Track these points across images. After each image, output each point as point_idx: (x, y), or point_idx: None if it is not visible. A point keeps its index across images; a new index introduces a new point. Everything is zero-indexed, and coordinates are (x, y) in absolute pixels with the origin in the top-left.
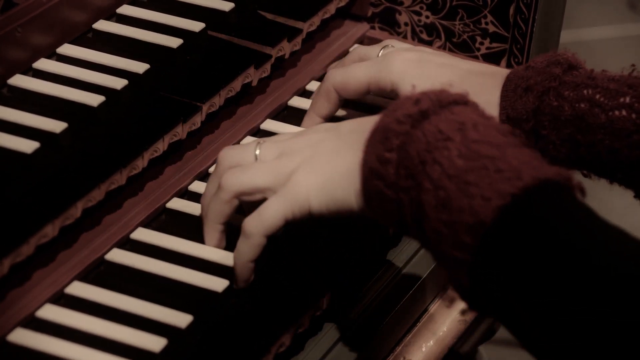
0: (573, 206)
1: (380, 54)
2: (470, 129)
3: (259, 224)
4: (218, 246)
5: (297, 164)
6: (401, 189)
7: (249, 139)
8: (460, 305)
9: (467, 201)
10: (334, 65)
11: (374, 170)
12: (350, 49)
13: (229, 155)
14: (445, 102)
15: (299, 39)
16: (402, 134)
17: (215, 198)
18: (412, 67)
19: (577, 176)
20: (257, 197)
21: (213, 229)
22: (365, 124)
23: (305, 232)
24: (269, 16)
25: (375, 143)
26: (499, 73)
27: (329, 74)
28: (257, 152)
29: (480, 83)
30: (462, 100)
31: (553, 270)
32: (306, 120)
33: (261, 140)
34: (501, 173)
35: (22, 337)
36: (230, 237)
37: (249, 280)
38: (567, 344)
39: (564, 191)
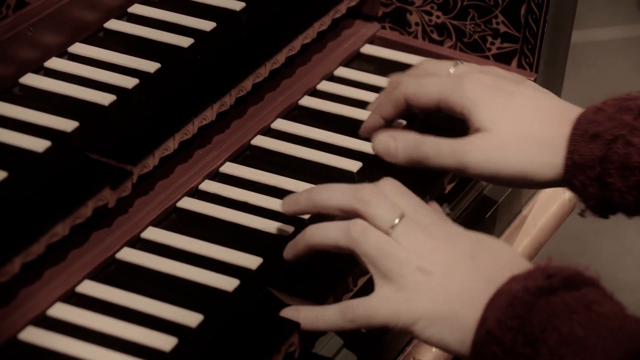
0: None
1: (451, 70)
2: (595, 304)
3: (365, 320)
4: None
5: (422, 277)
6: (517, 355)
7: (260, 138)
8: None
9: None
10: (404, 74)
11: (492, 334)
12: (419, 63)
13: (373, 203)
14: (578, 282)
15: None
16: (528, 304)
17: (334, 232)
18: (485, 93)
19: None
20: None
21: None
22: (498, 274)
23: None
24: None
25: (499, 308)
26: (570, 110)
27: (403, 82)
28: (396, 222)
29: (555, 121)
30: (592, 283)
31: None
32: (370, 119)
33: (404, 209)
34: (617, 338)
35: (33, 335)
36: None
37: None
38: None
39: None
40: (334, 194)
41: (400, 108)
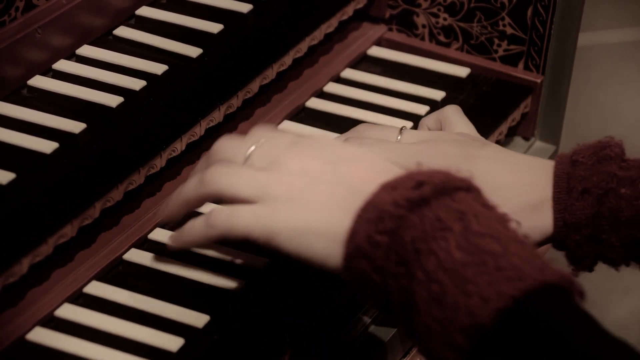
0: (575, 313)
1: (399, 139)
2: (471, 219)
3: (225, 223)
4: (172, 219)
5: (284, 191)
6: (390, 274)
7: None
8: None
9: (464, 299)
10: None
11: (361, 249)
12: (356, 128)
13: (222, 147)
14: (449, 188)
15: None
16: (398, 218)
17: (194, 186)
18: (460, 164)
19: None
20: (233, 202)
21: (176, 208)
22: (363, 182)
23: None
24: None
25: (368, 221)
26: (545, 168)
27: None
28: (250, 151)
29: (530, 181)
30: (465, 186)
31: None
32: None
33: (259, 139)
34: (502, 272)
35: (41, 336)
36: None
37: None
38: None
39: (566, 296)
40: (197, 167)
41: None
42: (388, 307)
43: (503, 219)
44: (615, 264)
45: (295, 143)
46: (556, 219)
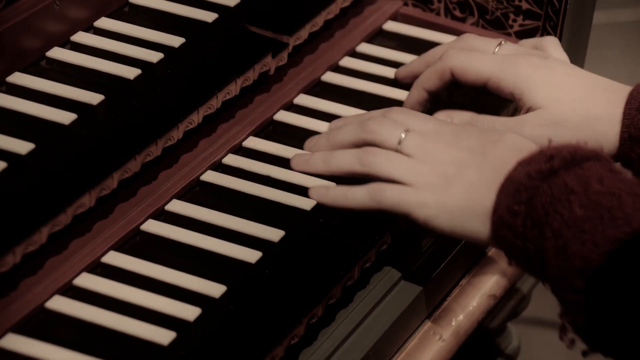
0: None
1: (496, 50)
2: (594, 182)
3: (391, 203)
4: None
5: (438, 178)
6: (528, 238)
7: (283, 113)
8: (490, 281)
9: (579, 247)
10: (449, 47)
11: (503, 219)
12: (462, 36)
13: (377, 128)
14: (578, 159)
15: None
16: (531, 188)
17: (347, 161)
18: (538, 73)
19: None
20: (386, 182)
21: (323, 169)
22: (505, 163)
23: None
24: None
25: (507, 194)
26: (623, 89)
27: (449, 54)
28: (403, 137)
29: (606, 98)
30: (593, 156)
31: None
32: (413, 91)
33: (410, 126)
34: (614, 221)
35: (60, 304)
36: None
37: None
38: None
39: None
40: (344, 132)
41: (446, 81)
42: (530, 267)
43: (627, 180)
44: None
45: (441, 133)
46: (622, 132)
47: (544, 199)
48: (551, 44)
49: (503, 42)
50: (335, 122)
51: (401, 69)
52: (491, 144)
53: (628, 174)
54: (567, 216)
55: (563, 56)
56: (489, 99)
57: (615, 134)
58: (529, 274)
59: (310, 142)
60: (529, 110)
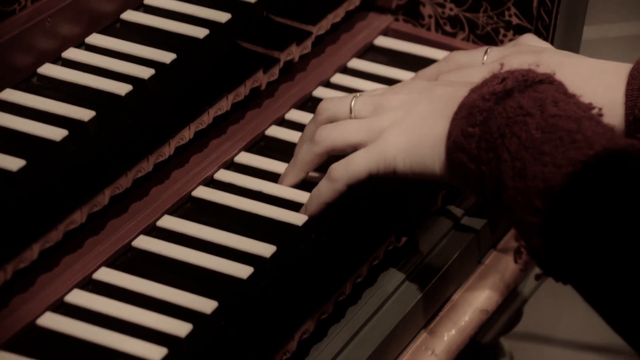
0: None
1: (484, 59)
2: (550, 105)
3: (345, 173)
4: (291, 186)
5: (389, 123)
6: (482, 161)
7: (274, 128)
8: (482, 296)
9: (540, 169)
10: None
11: (457, 143)
12: (448, 56)
13: (327, 106)
14: (531, 81)
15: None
16: (485, 111)
17: (308, 148)
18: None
19: None
20: (349, 151)
21: (296, 175)
22: (456, 93)
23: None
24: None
25: (461, 118)
26: (621, 69)
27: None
28: (352, 104)
29: (606, 82)
30: (547, 80)
31: (620, 228)
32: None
33: (357, 94)
34: (575, 143)
35: (51, 321)
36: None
37: (318, 217)
38: None
39: (634, 161)
40: (305, 130)
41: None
42: (484, 192)
43: (581, 104)
44: None
45: (390, 88)
46: (627, 115)
47: (499, 121)
48: (529, 39)
49: (489, 50)
50: None
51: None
52: (443, 86)
53: (578, 97)
54: (524, 138)
55: (545, 44)
56: None
57: (620, 118)
58: (480, 199)
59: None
60: None
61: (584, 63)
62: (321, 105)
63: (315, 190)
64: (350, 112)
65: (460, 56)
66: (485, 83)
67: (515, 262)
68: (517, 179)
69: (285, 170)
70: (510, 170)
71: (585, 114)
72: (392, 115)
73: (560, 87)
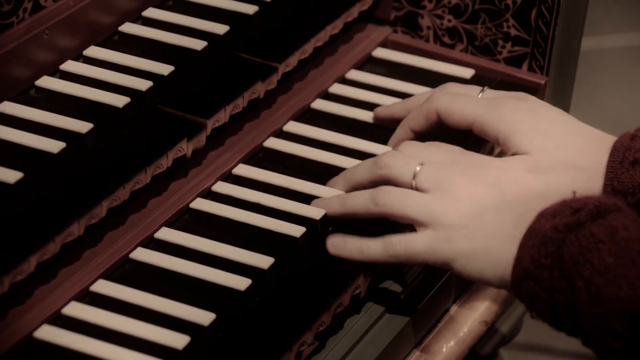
0: None
1: (480, 96)
2: (620, 230)
3: (404, 252)
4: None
5: (455, 217)
6: (556, 290)
7: (273, 140)
8: (481, 307)
9: (615, 292)
10: (437, 89)
11: (529, 272)
12: (444, 85)
13: (389, 163)
14: (603, 211)
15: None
16: (558, 241)
17: (365, 203)
18: (523, 117)
19: None
20: (404, 221)
21: (342, 215)
22: (527, 212)
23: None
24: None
25: (531, 246)
26: (605, 138)
27: (436, 95)
28: (417, 170)
29: (591, 148)
30: (616, 208)
31: None
32: (399, 131)
33: (424, 159)
34: None
35: (49, 333)
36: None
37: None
38: None
39: None
40: (359, 170)
41: (431, 121)
42: (558, 318)
43: None
44: None
45: (455, 164)
46: (605, 185)
47: (572, 250)
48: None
49: (485, 88)
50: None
51: (381, 109)
52: (511, 184)
53: None
54: (597, 264)
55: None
56: (474, 139)
57: (598, 185)
58: (553, 328)
59: (330, 183)
60: (514, 154)
61: (574, 124)
62: (383, 160)
63: (364, 243)
64: (413, 177)
65: (456, 87)
66: (556, 211)
67: None
68: (594, 304)
69: (332, 199)
70: (585, 296)
71: None
72: (458, 209)
73: (629, 213)
